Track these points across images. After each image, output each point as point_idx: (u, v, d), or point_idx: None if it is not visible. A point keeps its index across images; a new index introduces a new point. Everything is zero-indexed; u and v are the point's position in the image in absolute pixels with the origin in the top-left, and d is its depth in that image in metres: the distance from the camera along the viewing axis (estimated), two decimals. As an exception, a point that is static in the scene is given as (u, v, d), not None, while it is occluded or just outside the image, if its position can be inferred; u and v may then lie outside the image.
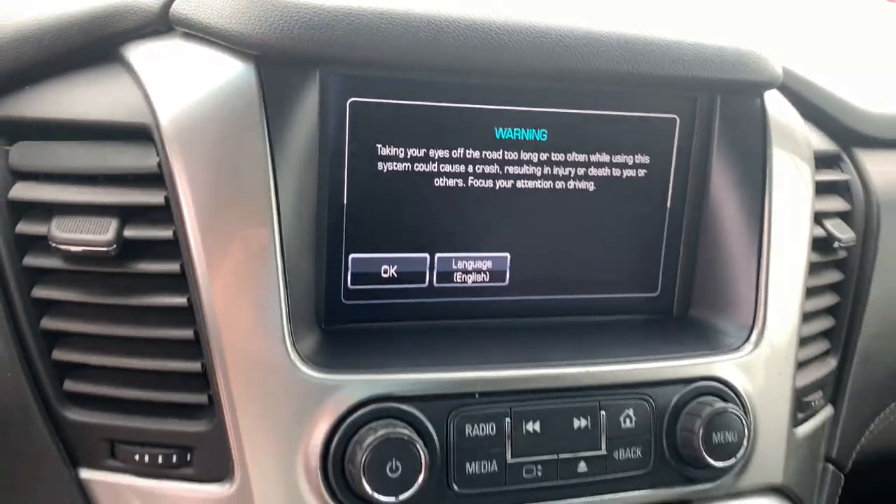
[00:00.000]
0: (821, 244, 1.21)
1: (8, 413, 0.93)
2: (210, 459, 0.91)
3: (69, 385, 0.93)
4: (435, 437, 0.93)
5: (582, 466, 0.99)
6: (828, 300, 1.24)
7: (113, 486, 0.92)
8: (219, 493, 0.90)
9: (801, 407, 1.17)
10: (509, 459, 0.96)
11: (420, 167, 1.02)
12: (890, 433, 1.51)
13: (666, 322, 1.16)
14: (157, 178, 0.89)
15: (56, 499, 0.93)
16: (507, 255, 1.08)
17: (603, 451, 1.00)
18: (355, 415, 0.90)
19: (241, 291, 0.89)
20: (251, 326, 0.90)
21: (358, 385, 0.91)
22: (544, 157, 1.07)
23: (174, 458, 0.91)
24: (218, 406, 0.90)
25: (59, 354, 0.92)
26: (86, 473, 0.93)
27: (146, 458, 0.91)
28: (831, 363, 1.26)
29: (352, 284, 1.03)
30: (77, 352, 0.92)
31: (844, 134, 1.32)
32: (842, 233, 1.23)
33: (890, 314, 1.32)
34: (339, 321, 1.03)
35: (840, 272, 1.27)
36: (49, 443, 0.92)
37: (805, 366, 1.19)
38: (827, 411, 1.24)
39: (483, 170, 1.05)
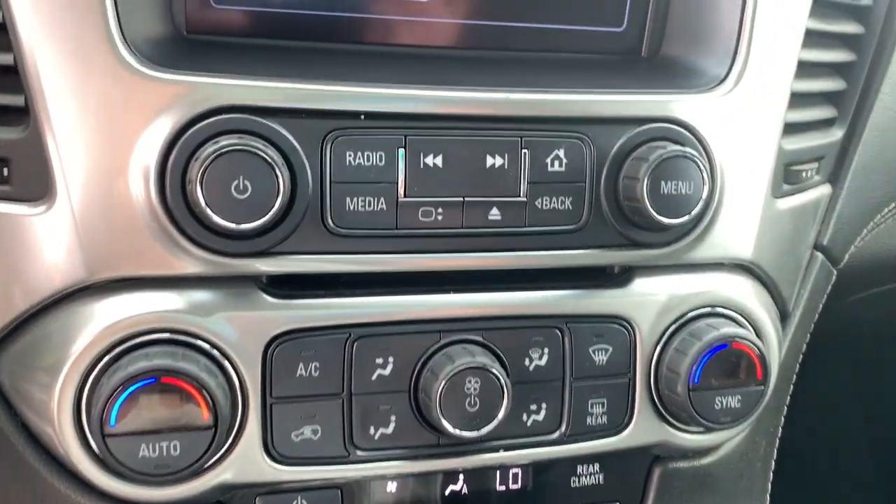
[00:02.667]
0: (835, -20, 0.96)
1: None
2: (28, 174, 0.74)
3: None
4: (305, 161, 0.74)
5: (494, 214, 0.81)
6: (838, 55, 1.01)
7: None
8: (34, 213, 0.74)
9: (788, 176, 0.97)
10: (402, 197, 0.78)
11: None
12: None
13: (632, 62, 0.94)
14: None
15: None
16: (428, -41, 0.86)
17: (522, 198, 0.81)
18: (200, 125, 0.72)
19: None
20: (69, 9, 0.70)
21: (206, 89, 0.73)
22: None
23: (-13, 172, 0.75)
24: (33, 108, 0.72)
25: None
26: None
27: None
28: (835, 134, 1.03)
29: (223, -18, 0.82)
30: None
31: None
32: (864, -31, 0.98)
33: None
34: (209, 29, 0.83)
35: (859, 24, 1.03)
36: None
37: (800, 130, 0.97)
38: (822, 190, 1.03)
39: None
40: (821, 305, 1.09)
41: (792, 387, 1.08)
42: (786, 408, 1.07)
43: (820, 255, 1.05)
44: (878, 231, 1.16)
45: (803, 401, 1.17)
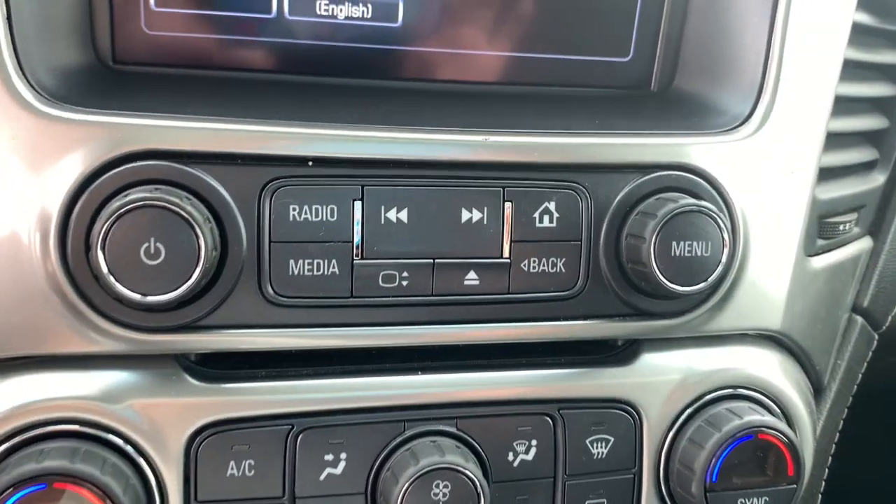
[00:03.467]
0: (877, 4, 0.83)
1: None
2: None
3: None
4: (238, 217, 0.62)
5: (472, 278, 0.68)
6: (880, 89, 0.88)
7: None
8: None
9: (823, 230, 0.83)
10: (358, 259, 0.65)
11: None
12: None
13: (641, 98, 0.81)
14: None
15: None
16: (399, -24, 0.74)
17: (505, 259, 0.68)
18: (108, 175, 0.59)
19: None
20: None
21: (118, 131, 0.60)
22: None
23: None
24: None
25: None
26: None
27: None
28: (876, 179, 0.90)
29: (156, 5, 0.70)
30: None
31: None
32: (911, -10, 0.85)
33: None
34: (140, 59, 0.71)
35: (903, 54, 0.89)
36: None
37: (836, 175, 0.84)
38: (862, 244, 0.89)
39: None
40: (860, 376, 0.94)
41: (827, 471, 0.93)
42: (820, 496, 0.93)
43: (859, 319, 0.91)
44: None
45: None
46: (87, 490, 0.59)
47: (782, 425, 0.73)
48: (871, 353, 0.96)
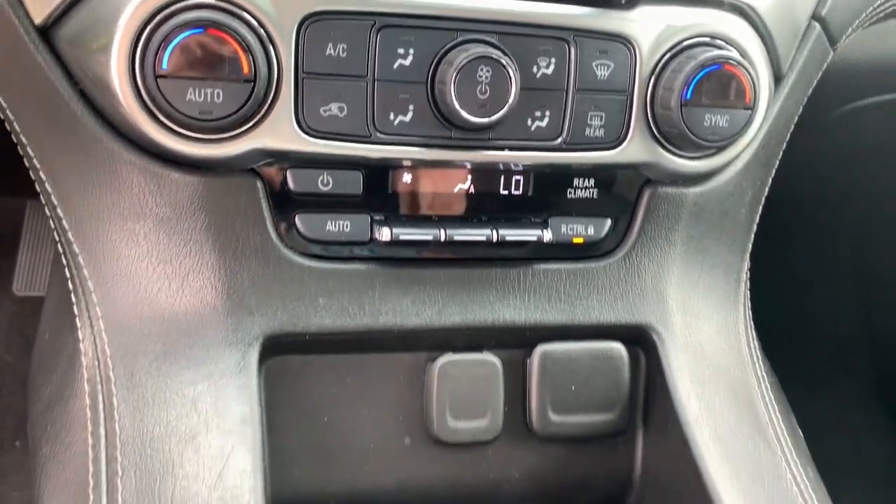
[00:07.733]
0: None
1: None
2: None
3: None
4: None
5: None
6: None
7: None
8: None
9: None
10: None
11: None
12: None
13: None
14: None
15: None
16: None
17: None
18: None
19: None
20: None
21: None
22: None
23: None
24: None
25: None
26: None
27: None
28: None
29: None
30: None
31: None
32: None
33: None
34: None
35: None
36: None
37: None
38: (825, -45, 1.09)
39: None
40: (815, 81, 1.15)
41: (781, 154, 1.16)
42: (774, 171, 1.15)
43: (817, 26, 1.11)
44: (878, 30, 1.22)
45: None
46: (232, 38, 0.80)
47: (745, 62, 0.94)
48: (825, 66, 1.17)
